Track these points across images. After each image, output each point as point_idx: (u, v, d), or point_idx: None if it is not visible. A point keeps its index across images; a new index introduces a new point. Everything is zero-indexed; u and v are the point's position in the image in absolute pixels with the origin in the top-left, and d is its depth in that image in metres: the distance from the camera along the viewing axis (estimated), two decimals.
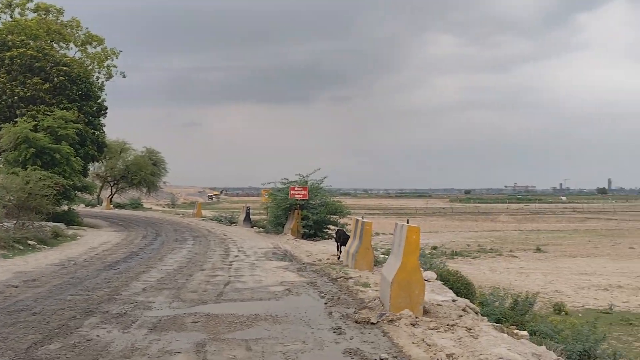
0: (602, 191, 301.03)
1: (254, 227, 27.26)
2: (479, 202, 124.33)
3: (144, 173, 50.33)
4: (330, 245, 16.64)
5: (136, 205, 52.17)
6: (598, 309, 14.23)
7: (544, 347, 6.48)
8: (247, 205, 30.89)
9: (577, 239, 33.92)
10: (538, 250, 26.97)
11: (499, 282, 17.22)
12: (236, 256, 15.26)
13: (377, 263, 13.10)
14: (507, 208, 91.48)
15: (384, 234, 35.96)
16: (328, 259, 14.47)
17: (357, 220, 13.49)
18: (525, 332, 7.82)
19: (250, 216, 29.70)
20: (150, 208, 53.21)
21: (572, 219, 59.18)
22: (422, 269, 14.10)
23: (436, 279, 11.44)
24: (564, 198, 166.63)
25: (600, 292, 16.46)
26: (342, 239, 14.25)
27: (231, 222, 31.21)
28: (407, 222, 8.21)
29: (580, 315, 13.45)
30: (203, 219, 35.18)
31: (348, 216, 20.73)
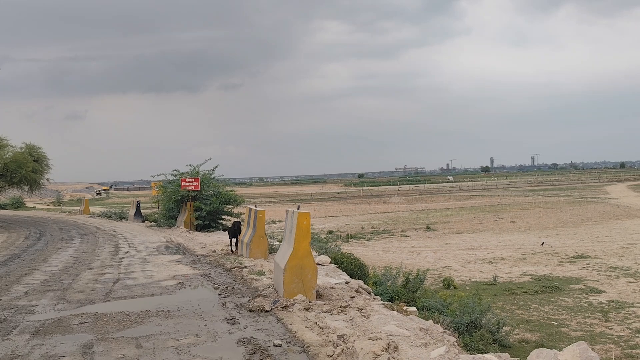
0: (485, 169, 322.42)
1: (146, 222, 26.51)
2: (371, 186, 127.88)
3: (24, 170, 47.34)
4: (226, 236, 16.51)
5: (18, 204, 49.78)
6: (484, 281, 15.15)
7: (430, 321, 6.86)
8: (138, 200, 29.94)
9: (464, 216, 35.81)
10: (428, 228, 28.23)
11: (392, 261, 17.84)
12: (126, 252, 14.79)
13: (273, 251, 13.14)
14: (398, 190, 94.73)
15: (280, 221, 36.06)
16: (222, 249, 14.34)
17: (250, 209, 13.43)
18: (414, 309, 8.20)
19: (141, 210, 28.87)
20: (34, 207, 51.34)
21: (459, 197, 62.41)
22: (315, 254, 14.43)
23: (330, 263, 11.60)
24: (450, 178, 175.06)
25: (486, 265, 17.63)
26: (236, 230, 14.17)
27: (121, 217, 30.19)
28: (298, 209, 8.29)
29: (467, 288, 14.31)
30: (91, 216, 33.78)
31: (242, 205, 20.63)
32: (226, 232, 16.22)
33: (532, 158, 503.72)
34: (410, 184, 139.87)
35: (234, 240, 14.18)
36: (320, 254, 13.06)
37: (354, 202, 60.86)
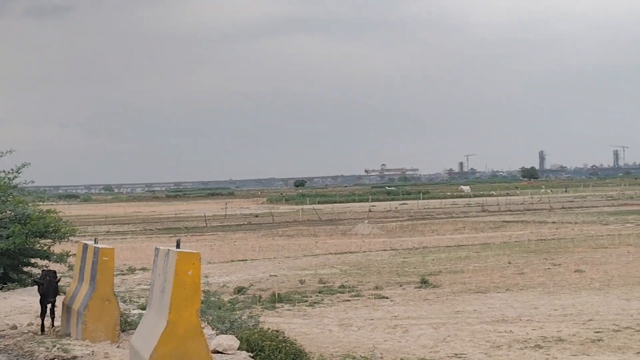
0: (529, 174, 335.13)
1: None
2: (320, 202, 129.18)
3: None
4: (36, 298, 16.13)
5: None
6: None
7: None
8: None
9: (490, 260, 36.25)
10: (423, 283, 28.32)
11: (357, 346, 17.64)
12: None
13: (129, 325, 13.22)
14: (369, 211, 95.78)
15: (145, 269, 35.67)
16: (31, 324, 14.53)
17: (85, 247, 13.71)
18: None
19: None
20: None
21: (481, 226, 63.51)
22: (211, 332, 14.07)
23: (240, 349, 11.88)
24: (466, 189, 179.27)
25: (529, 351, 17.57)
26: (52, 289, 13.95)
27: None
28: (178, 246, 8.52)
29: None
30: None
31: (71, 239, 20.49)
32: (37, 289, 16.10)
33: (615, 154, 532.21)
34: (393, 199, 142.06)
35: (49, 307, 14.24)
36: (221, 333, 13.36)
37: (287, 234, 60.99)
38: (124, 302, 19.56)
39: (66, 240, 21.44)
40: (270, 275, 32.98)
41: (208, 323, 15.53)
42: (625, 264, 32.75)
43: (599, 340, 18.48)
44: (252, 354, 11.76)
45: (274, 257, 41.26)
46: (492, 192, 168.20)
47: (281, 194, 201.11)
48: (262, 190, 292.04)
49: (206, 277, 30.93)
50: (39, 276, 18.60)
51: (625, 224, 59.34)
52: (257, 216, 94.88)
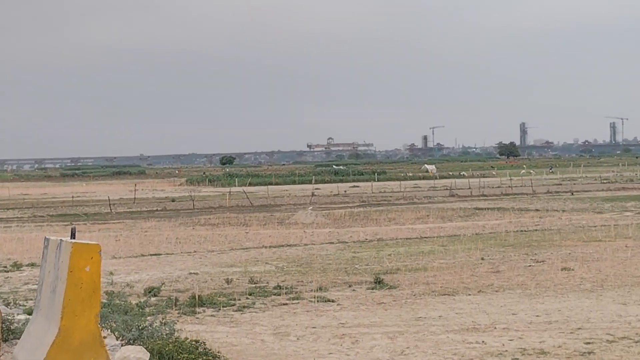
0: (507, 150, 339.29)
1: None
2: (252, 183, 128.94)
3: None
4: None
5: None
6: None
7: None
8: None
9: (458, 254, 36.46)
10: (378, 283, 28.33)
11: (296, 358, 17.76)
12: None
13: (13, 334, 12.83)
14: (313, 194, 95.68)
15: (32, 265, 35.32)
16: None
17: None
18: None
19: None
20: None
21: (448, 212, 63.81)
22: (115, 342, 13.93)
23: None
24: (431, 168, 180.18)
25: None
26: None
27: None
28: (72, 236, 8.43)
29: None
30: None
31: None
32: None
33: (613, 127, 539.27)
34: (342, 180, 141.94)
35: None
36: (128, 343, 13.24)
37: (211, 223, 60.90)
38: (7, 305, 19.30)
39: None
40: (190, 273, 32.77)
41: (111, 331, 15.39)
42: (622, 261, 33.05)
43: (589, 353, 18.66)
44: None
45: (195, 251, 41.06)
46: (463, 172, 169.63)
47: (204, 173, 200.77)
48: (180, 169, 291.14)
49: (110, 274, 30.81)
50: None
51: (623, 213, 60.06)
52: (174, 200, 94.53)
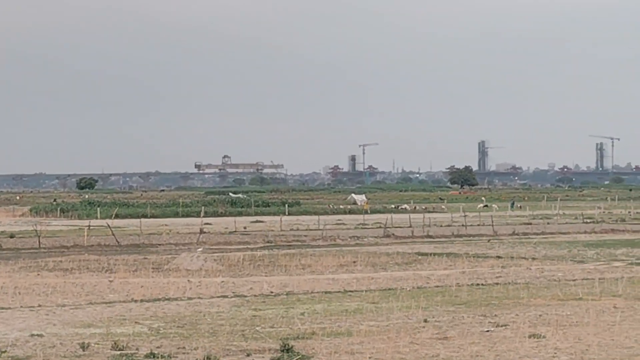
0: (462, 177, 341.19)
1: None
2: (121, 216, 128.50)
3: None
4: None
5: None
6: None
7: None
8: None
9: (394, 315, 36.42)
10: (286, 352, 28.06)
11: None
12: None
13: None
14: (202, 231, 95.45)
15: None
16: None
17: None
18: None
19: None
20: None
21: (382, 258, 63.73)
22: None
23: None
24: (360, 199, 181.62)
25: None
26: None
27: None
28: None
29: None
30: None
31: None
32: None
33: (600, 150, 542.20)
34: (242, 213, 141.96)
35: None
36: None
37: (62, 267, 60.52)
38: None
39: None
40: (32, 335, 32.17)
41: None
42: (608, 327, 33.15)
43: None
44: None
45: (40, 305, 40.54)
46: (404, 205, 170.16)
47: (54, 200, 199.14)
48: (22, 194, 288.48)
49: None
50: None
51: (610, 263, 60.52)
52: (12, 236, 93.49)
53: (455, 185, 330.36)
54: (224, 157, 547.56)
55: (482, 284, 48.00)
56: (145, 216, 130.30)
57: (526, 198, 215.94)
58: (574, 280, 49.11)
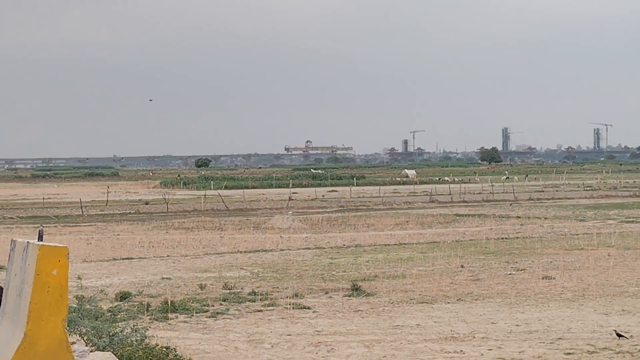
0: (489, 156, 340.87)
1: None
2: (227, 187, 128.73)
3: None
4: None
5: None
6: None
7: None
8: None
9: (438, 262, 36.47)
10: (355, 290, 28.34)
11: None
12: None
13: None
14: (290, 198, 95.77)
15: None
16: None
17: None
18: None
19: None
20: None
21: (428, 219, 63.83)
22: (83, 347, 13.81)
23: None
24: (411, 173, 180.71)
25: None
26: None
27: None
28: (40, 238, 8.21)
29: None
30: None
31: None
32: None
33: (596, 133, 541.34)
34: (320, 185, 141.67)
35: None
36: (98, 349, 13.26)
37: (185, 227, 60.67)
38: None
39: None
40: (163, 278, 32.70)
41: (81, 336, 15.26)
42: (604, 270, 33.14)
43: None
44: None
45: (168, 256, 40.95)
46: (445, 177, 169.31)
47: (178, 175, 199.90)
48: (154, 171, 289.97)
49: (79, 279, 30.56)
50: None
51: (605, 221, 60.18)
52: (147, 203, 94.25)
53: (485, 162, 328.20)
54: (307, 141, 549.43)
55: (506, 238, 47.81)
56: (247, 187, 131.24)
57: (539, 172, 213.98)
58: (577, 234, 48.78)
